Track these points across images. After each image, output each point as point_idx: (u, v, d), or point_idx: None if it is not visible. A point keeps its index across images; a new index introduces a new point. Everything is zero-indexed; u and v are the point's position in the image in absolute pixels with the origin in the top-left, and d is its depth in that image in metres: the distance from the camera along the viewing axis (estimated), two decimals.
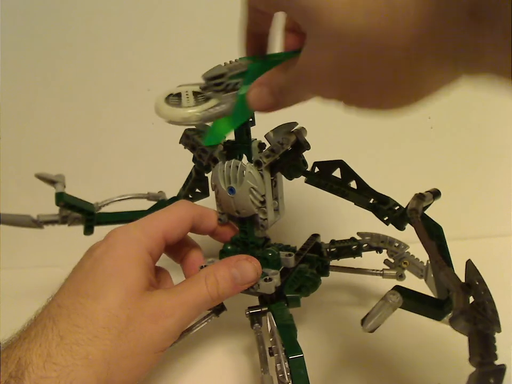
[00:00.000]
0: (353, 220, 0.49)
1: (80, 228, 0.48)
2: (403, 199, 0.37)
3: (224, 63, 0.31)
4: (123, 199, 0.51)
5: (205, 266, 0.38)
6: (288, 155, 0.36)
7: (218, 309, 0.38)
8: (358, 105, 0.25)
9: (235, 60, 0.32)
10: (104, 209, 0.50)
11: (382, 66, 0.22)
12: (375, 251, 0.42)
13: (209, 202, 0.43)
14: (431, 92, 0.23)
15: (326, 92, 0.26)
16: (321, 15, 0.22)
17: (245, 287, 0.36)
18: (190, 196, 0.46)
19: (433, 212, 0.35)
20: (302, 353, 0.28)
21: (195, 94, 0.31)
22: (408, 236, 0.35)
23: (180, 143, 0.40)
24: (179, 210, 0.38)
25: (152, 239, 0.35)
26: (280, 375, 0.28)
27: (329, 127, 0.54)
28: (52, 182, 0.47)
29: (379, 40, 0.21)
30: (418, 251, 0.34)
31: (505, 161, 0.60)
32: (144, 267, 0.33)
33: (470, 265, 0.25)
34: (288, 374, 0.28)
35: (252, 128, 0.37)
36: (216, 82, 0.30)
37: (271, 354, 0.30)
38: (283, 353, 0.29)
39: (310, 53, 0.24)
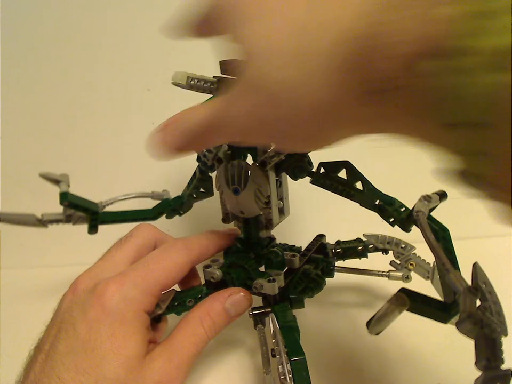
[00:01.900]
0: (358, 221, 0.48)
1: (80, 228, 0.48)
2: (403, 199, 0.36)
3: None
4: (127, 198, 0.51)
5: (209, 266, 0.38)
6: (294, 155, 0.36)
7: None
8: (278, 147, 0.25)
9: None
10: (108, 208, 0.50)
11: (288, 121, 0.21)
12: (381, 252, 0.42)
13: (213, 202, 0.42)
14: (345, 140, 0.23)
15: (248, 136, 0.25)
16: (251, 60, 0.21)
17: (238, 317, 0.36)
18: (194, 196, 0.46)
19: (433, 211, 0.35)
20: (305, 355, 0.28)
21: None
22: (413, 236, 0.35)
23: None
24: (179, 257, 0.36)
25: (149, 295, 0.33)
26: (282, 377, 0.27)
27: None
28: (56, 181, 0.47)
29: (285, 95, 0.20)
30: (424, 251, 0.33)
31: None
32: (143, 330, 0.31)
33: (477, 268, 0.25)
34: (290, 376, 0.27)
35: None
36: (224, 68, 0.33)
37: (274, 355, 0.30)
38: (285, 355, 0.29)
39: (230, 95, 0.24)
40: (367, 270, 0.44)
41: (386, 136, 0.20)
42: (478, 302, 0.23)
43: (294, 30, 0.20)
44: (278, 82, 0.20)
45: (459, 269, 0.31)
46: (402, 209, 0.36)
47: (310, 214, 0.60)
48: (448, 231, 0.33)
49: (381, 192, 0.36)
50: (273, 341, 0.31)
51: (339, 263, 0.43)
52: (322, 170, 0.37)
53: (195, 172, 0.43)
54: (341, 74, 0.18)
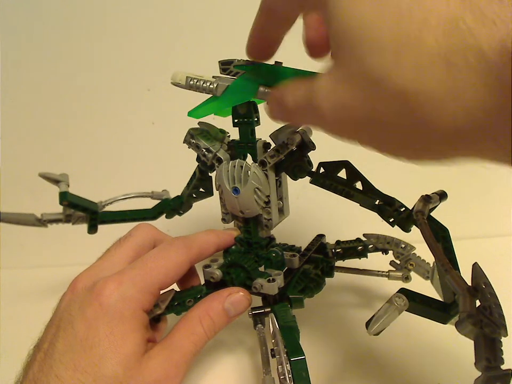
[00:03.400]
0: (358, 221, 0.48)
1: (80, 228, 0.48)
2: (403, 199, 0.36)
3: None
4: (127, 198, 0.51)
5: (208, 266, 0.38)
6: (293, 155, 0.36)
7: None
8: (376, 150, 0.23)
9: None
10: (107, 208, 0.50)
11: (418, 131, 0.19)
12: (381, 252, 0.42)
13: (213, 202, 0.42)
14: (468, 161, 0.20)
15: (334, 131, 0.24)
16: (359, 49, 0.19)
17: (237, 317, 0.36)
18: (194, 196, 0.46)
19: (433, 211, 0.35)
20: (304, 355, 0.28)
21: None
22: (413, 236, 0.35)
23: (184, 142, 0.40)
24: (177, 256, 0.35)
25: (148, 294, 0.33)
26: (281, 377, 0.27)
27: None
28: (55, 181, 0.47)
29: (424, 106, 0.18)
30: (424, 251, 0.33)
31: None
32: (141, 329, 0.31)
33: (476, 269, 0.25)
34: (290, 376, 0.27)
35: (256, 127, 0.37)
36: (224, 68, 0.33)
37: (273, 355, 0.30)
38: (285, 355, 0.29)
39: (333, 82, 0.22)
40: (367, 270, 0.44)
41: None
42: (478, 303, 0.22)
43: (417, 22, 0.17)
44: (413, 90, 0.18)
45: (459, 269, 0.31)
46: (402, 209, 0.36)
47: (310, 214, 0.60)
48: (448, 231, 0.33)
49: (381, 192, 0.36)
50: (273, 341, 0.31)
51: (339, 263, 0.43)
52: (322, 170, 0.37)
53: (195, 171, 0.43)
54: (504, 92, 0.16)
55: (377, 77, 0.19)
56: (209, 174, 0.42)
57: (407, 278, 0.42)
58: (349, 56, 0.20)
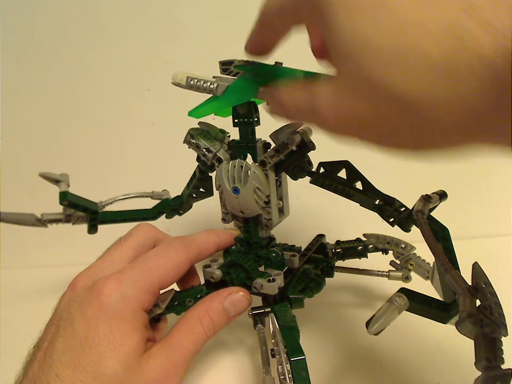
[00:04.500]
0: (358, 221, 0.48)
1: (80, 228, 0.48)
2: (403, 199, 0.36)
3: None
4: (127, 198, 0.51)
5: (208, 266, 0.38)
6: (293, 155, 0.36)
7: None
8: (377, 147, 0.23)
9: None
10: (108, 208, 0.50)
11: (424, 135, 0.20)
12: (381, 252, 0.42)
13: (213, 201, 0.42)
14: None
15: (336, 135, 0.24)
16: (358, 57, 0.20)
17: (237, 316, 0.36)
18: (194, 195, 0.46)
19: (433, 211, 0.35)
20: (304, 355, 0.28)
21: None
22: (413, 236, 0.35)
23: (184, 142, 0.40)
24: (177, 255, 0.36)
25: (147, 293, 0.33)
26: (281, 377, 0.27)
27: None
28: (56, 181, 0.47)
29: (428, 112, 0.19)
30: (424, 251, 0.33)
31: (506, 161, 0.59)
32: (141, 328, 0.31)
33: (477, 268, 0.25)
34: (290, 376, 0.27)
35: (256, 127, 0.37)
36: (224, 68, 0.33)
37: (273, 355, 0.30)
38: (285, 355, 0.29)
39: (335, 90, 0.22)
40: (367, 270, 0.44)
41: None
42: (478, 302, 0.22)
43: (418, 31, 0.18)
44: (419, 97, 0.18)
45: (459, 269, 0.31)
46: (402, 209, 0.36)
47: (310, 214, 0.60)
48: (448, 230, 0.33)
49: (381, 192, 0.36)
50: (273, 341, 0.31)
51: (339, 263, 0.43)
52: (322, 170, 0.37)
53: (195, 171, 0.43)
54: (507, 95, 0.17)
55: (379, 85, 0.19)
56: (209, 174, 0.43)
57: (407, 278, 0.42)
58: (351, 67, 0.20)
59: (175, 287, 0.37)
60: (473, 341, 0.22)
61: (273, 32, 0.28)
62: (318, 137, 0.36)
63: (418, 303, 0.31)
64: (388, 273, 0.43)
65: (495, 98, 0.17)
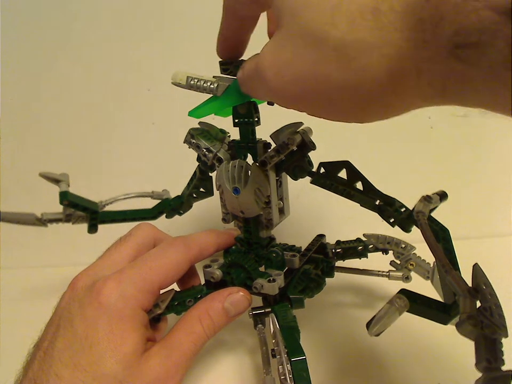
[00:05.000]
0: (358, 221, 0.48)
1: (79, 228, 0.48)
2: (403, 199, 0.36)
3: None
4: (127, 198, 0.51)
5: (209, 266, 0.38)
6: (294, 155, 0.36)
7: None
8: (319, 116, 0.24)
9: None
10: (108, 208, 0.50)
11: (356, 81, 0.20)
12: (381, 252, 0.42)
13: (213, 202, 0.42)
14: (409, 110, 0.22)
15: (280, 94, 0.24)
16: (299, 11, 0.21)
17: (238, 317, 0.36)
18: (195, 195, 0.46)
19: (433, 211, 0.35)
20: (305, 356, 0.28)
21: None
22: (413, 236, 0.35)
23: (184, 142, 0.40)
24: (177, 255, 0.36)
25: (147, 293, 0.33)
26: (282, 377, 0.27)
27: (334, 127, 0.54)
28: (56, 181, 0.47)
29: (359, 54, 0.20)
30: (424, 251, 0.33)
31: (506, 161, 0.59)
32: (141, 328, 0.31)
33: (477, 269, 0.25)
34: (291, 376, 0.27)
35: (257, 127, 0.37)
36: (224, 68, 0.34)
37: (274, 355, 0.30)
38: (285, 355, 0.29)
39: (275, 46, 0.23)
40: (367, 270, 0.44)
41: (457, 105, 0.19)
42: (478, 303, 0.22)
43: None
44: (344, 34, 0.19)
45: (459, 270, 0.31)
46: (403, 209, 0.36)
47: (310, 214, 0.60)
48: (448, 231, 0.33)
49: (381, 192, 0.36)
50: (273, 341, 0.31)
51: (339, 263, 0.43)
52: (322, 170, 0.37)
53: (195, 171, 0.43)
54: (428, 30, 0.18)
55: (316, 32, 0.21)
56: (210, 174, 0.42)
57: (407, 278, 0.42)
58: (288, 20, 0.22)
59: (175, 287, 0.37)
60: (473, 342, 0.22)
61: (241, 25, 0.30)
62: (318, 137, 0.36)
63: (418, 304, 0.31)
64: (388, 273, 0.43)
65: (417, 34, 0.18)
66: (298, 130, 0.36)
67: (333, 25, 0.20)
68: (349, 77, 0.20)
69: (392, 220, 0.36)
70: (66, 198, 0.46)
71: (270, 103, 0.34)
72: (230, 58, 0.34)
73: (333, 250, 0.43)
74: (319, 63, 0.21)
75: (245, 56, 0.33)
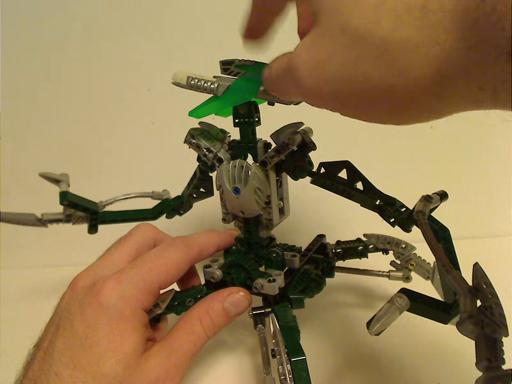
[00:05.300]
0: (358, 221, 0.48)
1: (80, 228, 0.48)
2: (403, 199, 0.36)
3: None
4: (127, 198, 0.51)
5: (209, 266, 0.38)
6: (294, 155, 0.36)
7: None
8: (353, 116, 0.23)
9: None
10: (108, 208, 0.50)
11: (399, 83, 0.19)
12: (381, 252, 0.42)
13: (213, 202, 0.42)
14: (453, 113, 0.21)
15: (315, 94, 0.23)
16: (340, 7, 0.20)
17: (238, 317, 0.36)
18: (195, 196, 0.46)
19: (434, 211, 0.35)
20: (305, 356, 0.28)
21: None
22: (414, 236, 0.35)
23: (184, 142, 0.40)
24: (178, 255, 0.36)
25: (147, 293, 0.33)
26: (282, 377, 0.27)
27: (335, 128, 0.54)
28: (56, 181, 0.47)
29: (404, 54, 0.19)
30: (424, 251, 0.33)
31: (506, 160, 0.60)
32: (141, 328, 0.31)
33: (477, 268, 0.25)
34: (290, 376, 0.27)
35: (257, 127, 0.37)
36: (224, 68, 0.33)
37: (274, 356, 0.30)
38: (285, 355, 0.29)
39: (311, 43, 0.22)
40: (367, 270, 0.44)
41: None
42: (479, 303, 0.22)
43: None
44: (389, 33, 0.18)
45: (460, 269, 0.31)
46: (403, 209, 0.36)
47: (310, 214, 0.60)
48: (448, 231, 0.33)
49: (382, 192, 0.36)
50: (274, 341, 0.31)
51: (339, 263, 0.43)
52: (322, 170, 0.37)
53: (195, 171, 0.43)
54: (482, 31, 0.17)
55: (358, 30, 0.19)
56: (210, 174, 0.42)
57: (407, 278, 0.42)
58: (328, 17, 0.21)
59: (175, 287, 0.37)
60: (474, 342, 0.22)
61: (268, 12, 0.29)
62: (318, 137, 0.36)
63: (419, 304, 0.31)
64: (388, 274, 0.43)
65: (469, 36, 0.17)
66: (298, 130, 0.36)
67: (377, 22, 0.19)
68: (391, 77, 0.19)
69: (392, 220, 0.36)
70: (67, 198, 0.45)
71: (271, 103, 0.34)
72: (254, 40, 0.31)
73: (333, 251, 0.43)
74: (359, 62, 0.20)
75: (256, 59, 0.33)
